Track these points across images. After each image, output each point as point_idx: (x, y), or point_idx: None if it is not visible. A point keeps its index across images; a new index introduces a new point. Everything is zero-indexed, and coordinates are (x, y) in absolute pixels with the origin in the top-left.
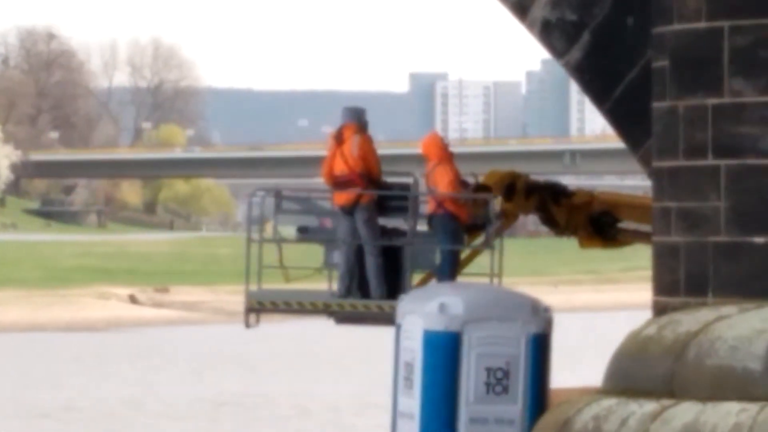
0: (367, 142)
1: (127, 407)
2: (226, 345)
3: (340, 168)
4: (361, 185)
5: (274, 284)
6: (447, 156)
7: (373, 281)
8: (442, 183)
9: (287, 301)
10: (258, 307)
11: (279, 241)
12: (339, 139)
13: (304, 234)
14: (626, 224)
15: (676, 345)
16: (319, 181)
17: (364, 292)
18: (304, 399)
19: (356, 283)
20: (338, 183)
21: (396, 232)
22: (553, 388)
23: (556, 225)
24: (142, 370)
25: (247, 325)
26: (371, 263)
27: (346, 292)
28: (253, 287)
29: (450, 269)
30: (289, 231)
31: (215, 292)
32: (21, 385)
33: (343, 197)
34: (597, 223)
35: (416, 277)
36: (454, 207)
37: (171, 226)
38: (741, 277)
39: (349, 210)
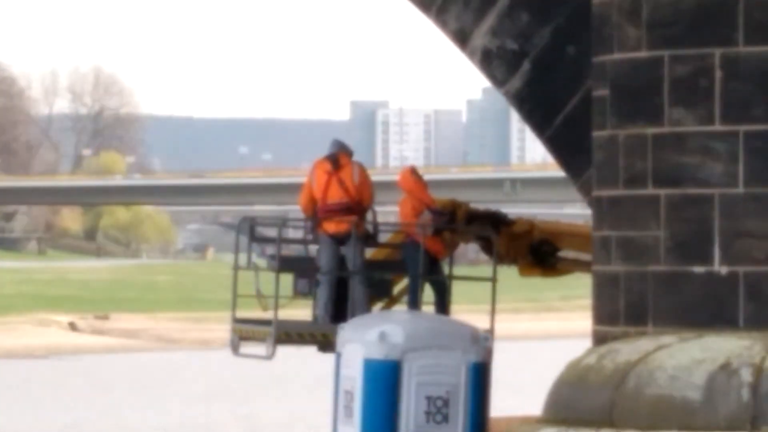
0: (366, 172)
1: None
2: (167, 372)
3: (337, 195)
4: (358, 213)
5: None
6: (413, 187)
7: (360, 310)
8: (402, 213)
9: (310, 331)
10: (285, 339)
11: (279, 270)
12: (336, 165)
13: (275, 261)
14: (566, 253)
15: (615, 374)
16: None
17: (341, 321)
18: (248, 425)
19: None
20: (333, 210)
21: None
22: (493, 416)
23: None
24: (81, 397)
25: (236, 352)
26: (359, 292)
27: (331, 320)
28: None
29: (415, 298)
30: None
31: (155, 319)
32: None
33: (341, 226)
34: (537, 252)
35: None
36: (422, 238)
37: (98, 254)
38: (681, 307)
39: (341, 239)
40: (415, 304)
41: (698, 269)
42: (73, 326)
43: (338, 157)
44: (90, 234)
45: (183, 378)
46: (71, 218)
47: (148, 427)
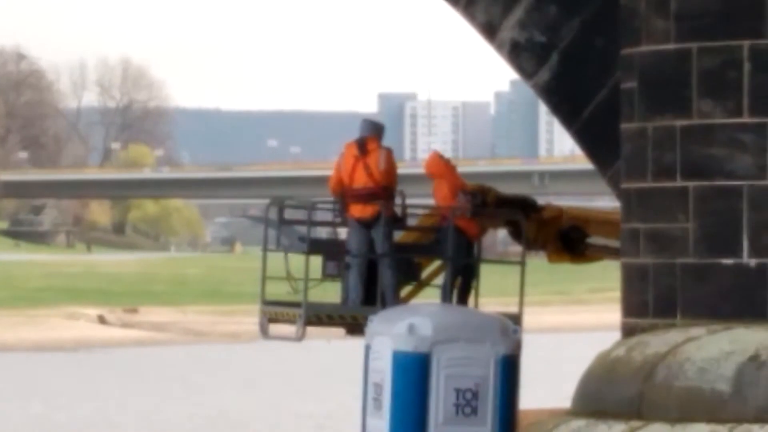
0: (392, 157)
1: (101, 426)
2: (196, 365)
3: (362, 180)
4: (383, 198)
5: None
6: (443, 171)
7: (389, 294)
8: (438, 197)
9: (340, 313)
10: (315, 321)
11: (309, 252)
12: (363, 150)
13: (304, 244)
14: (595, 240)
15: (644, 366)
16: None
17: (371, 303)
18: (280, 417)
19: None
20: (358, 195)
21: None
22: (522, 409)
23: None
24: (110, 390)
25: (265, 335)
26: (388, 276)
27: (363, 302)
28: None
29: (453, 285)
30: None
31: (184, 312)
32: None
33: (367, 210)
34: (566, 238)
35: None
36: (458, 220)
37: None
38: (709, 299)
39: (367, 223)
40: (459, 292)
41: (727, 261)
42: (102, 319)
43: (366, 141)
44: (119, 227)
45: (212, 370)
46: (100, 211)
47: (177, 419)
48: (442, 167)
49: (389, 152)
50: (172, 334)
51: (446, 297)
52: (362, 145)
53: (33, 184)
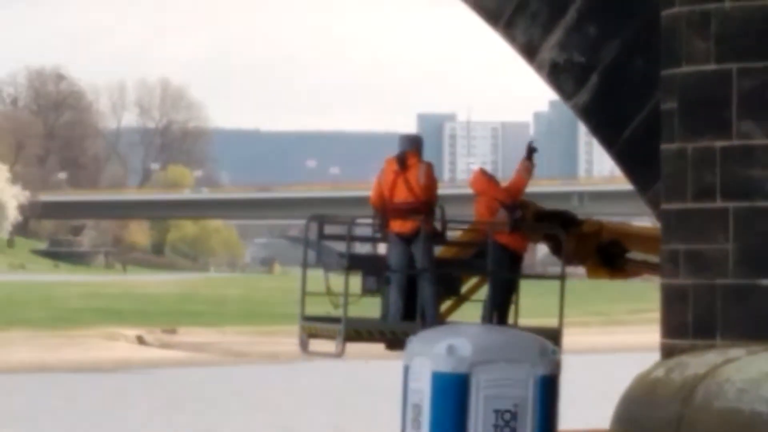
0: (432, 172)
1: None
2: (236, 385)
3: (403, 195)
4: (423, 213)
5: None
6: (485, 187)
7: (429, 309)
8: (477, 212)
9: (380, 329)
10: (354, 337)
11: (349, 268)
12: (403, 165)
13: (344, 260)
14: (634, 255)
15: (684, 388)
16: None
17: (410, 319)
18: None
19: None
20: (398, 210)
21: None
22: (562, 430)
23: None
24: (150, 410)
25: (305, 350)
26: (428, 291)
27: (402, 318)
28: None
29: (498, 299)
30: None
31: (223, 333)
32: (31, 426)
33: (407, 225)
34: (605, 253)
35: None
36: (499, 236)
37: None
38: (749, 320)
39: (407, 238)
40: (499, 307)
41: (766, 282)
42: (141, 340)
43: (406, 156)
44: (158, 248)
45: (251, 390)
46: (139, 232)
47: None
48: (483, 183)
49: (429, 166)
50: (211, 354)
51: (488, 313)
52: (402, 161)
53: (72, 205)
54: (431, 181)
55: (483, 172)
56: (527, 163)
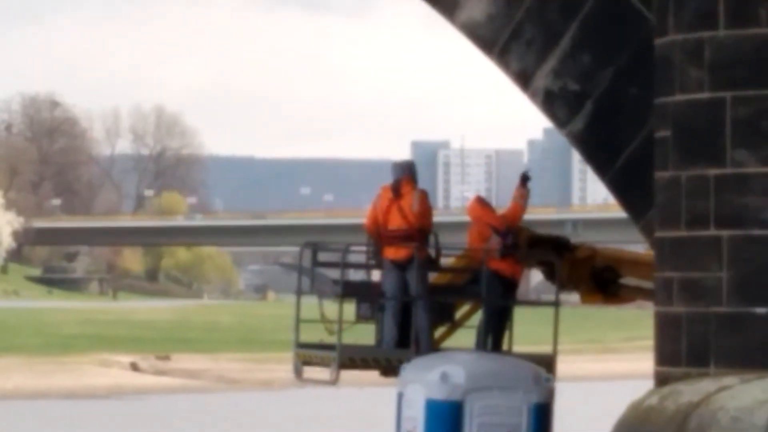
0: (426, 198)
1: None
2: (229, 412)
3: (397, 222)
4: (418, 240)
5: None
6: (480, 214)
7: (423, 336)
8: (470, 239)
9: (374, 356)
10: (349, 364)
11: (343, 295)
12: (397, 193)
13: (338, 287)
14: (628, 281)
15: (677, 415)
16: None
17: (405, 346)
18: None
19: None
20: (393, 237)
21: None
22: None
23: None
24: None
25: (300, 377)
26: (422, 318)
27: (396, 345)
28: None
29: (491, 326)
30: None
31: (217, 359)
32: None
33: (401, 252)
34: (599, 279)
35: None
36: (492, 262)
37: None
38: (743, 348)
39: (402, 264)
40: (493, 333)
41: (760, 310)
42: (134, 366)
43: (400, 185)
44: (151, 274)
45: (245, 418)
46: (133, 259)
47: None
48: (479, 210)
49: (423, 194)
50: (204, 381)
51: (482, 340)
52: (396, 189)
53: (66, 231)
54: (425, 209)
55: (479, 200)
56: (522, 191)
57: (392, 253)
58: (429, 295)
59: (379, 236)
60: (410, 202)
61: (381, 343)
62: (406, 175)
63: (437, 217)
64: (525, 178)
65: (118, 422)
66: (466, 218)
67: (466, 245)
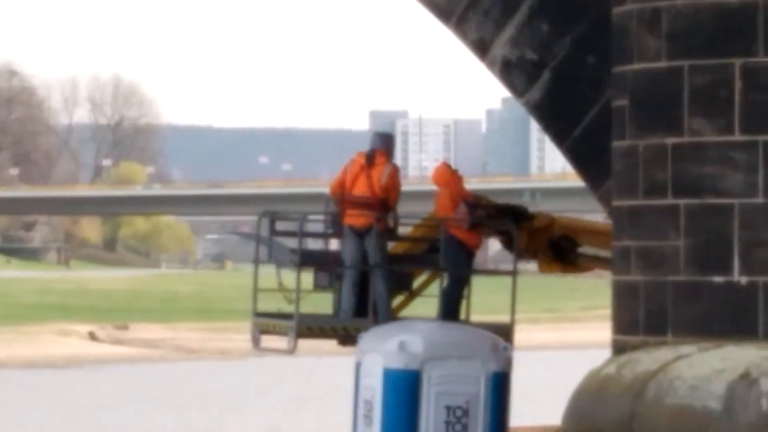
0: (396, 174)
1: None
2: (187, 381)
3: (361, 189)
4: (379, 210)
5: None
6: (448, 180)
7: (381, 305)
8: (438, 206)
9: (332, 325)
10: (307, 333)
11: (301, 264)
12: (370, 162)
13: (296, 256)
14: (586, 250)
15: (635, 384)
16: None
17: (363, 315)
18: None
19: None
20: (355, 202)
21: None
22: (513, 426)
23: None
24: (101, 407)
25: (257, 347)
26: (380, 287)
27: (354, 314)
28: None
29: (449, 296)
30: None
31: (175, 329)
32: None
33: (360, 219)
34: (557, 248)
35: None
36: (456, 231)
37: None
38: (700, 317)
39: (361, 232)
40: (452, 301)
41: (718, 279)
42: (92, 336)
43: (374, 155)
44: (109, 244)
45: (202, 387)
46: (91, 228)
47: None
48: (447, 177)
49: (395, 169)
50: (162, 351)
51: (449, 310)
52: (370, 158)
53: (24, 201)
54: (393, 184)
55: (447, 166)
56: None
57: (352, 219)
58: (387, 264)
59: (342, 201)
60: (380, 173)
61: (339, 313)
62: (382, 146)
63: None
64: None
65: (77, 392)
66: (424, 187)
67: (430, 212)
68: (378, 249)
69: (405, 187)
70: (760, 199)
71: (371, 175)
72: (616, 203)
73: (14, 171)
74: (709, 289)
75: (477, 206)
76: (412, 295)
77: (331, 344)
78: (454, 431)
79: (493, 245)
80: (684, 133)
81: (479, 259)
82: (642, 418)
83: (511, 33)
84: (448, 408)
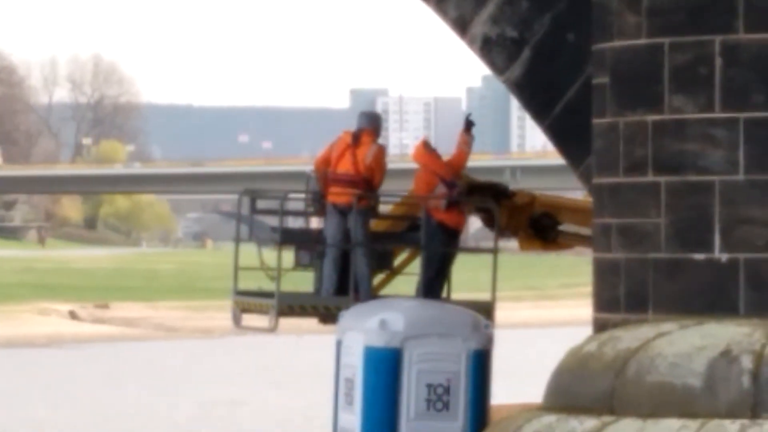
0: (382, 155)
1: (73, 422)
2: (168, 360)
3: (346, 167)
4: (362, 189)
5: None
6: (427, 159)
7: (362, 283)
8: (416, 186)
9: (313, 303)
10: (287, 312)
11: (282, 242)
12: (356, 141)
13: (277, 234)
14: (567, 227)
15: (616, 361)
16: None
17: (344, 293)
18: (252, 412)
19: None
20: (338, 179)
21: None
22: (494, 404)
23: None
24: (83, 385)
25: (238, 325)
26: (362, 265)
27: (335, 293)
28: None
29: (430, 275)
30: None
31: (155, 308)
32: None
33: (343, 196)
34: (537, 225)
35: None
36: (434, 211)
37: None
38: (681, 294)
39: (343, 209)
40: (430, 279)
41: (699, 256)
42: (73, 315)
43: (361, 134)
44: (90, 223)
45: (184, 366)
46: (71, 207)
47: (149, 415)
48: (426, 156)
49: (381, 149)
50: (143, 329)
51: (432, 288)
52: (357, 136)
53: (4, 180)
54: (378, 164)
55: (425, 145)
56: (466, 137)
57: (335, 196)
58: (369, 242)
59: (325, 178)
60: (366, 152)
61: (320, 291)
62: (369, 126)
63: None
64: (469, 123)
65: (58, 371)
66: (405, 165)
67: (410, 191)
68: (360, 227)
69: (387, 166)
70: (740, 176)
71: (356, 154)
72: (596, 181)
73: None
74: (689, 266)
75: (455, 185)
76: (393, 273)
77: (312, 322)
78: (435, 409)
79: (474, 223)
80: (664, 110)
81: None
82: (622, 396)
83: (491, 10)
84: (429, 386)
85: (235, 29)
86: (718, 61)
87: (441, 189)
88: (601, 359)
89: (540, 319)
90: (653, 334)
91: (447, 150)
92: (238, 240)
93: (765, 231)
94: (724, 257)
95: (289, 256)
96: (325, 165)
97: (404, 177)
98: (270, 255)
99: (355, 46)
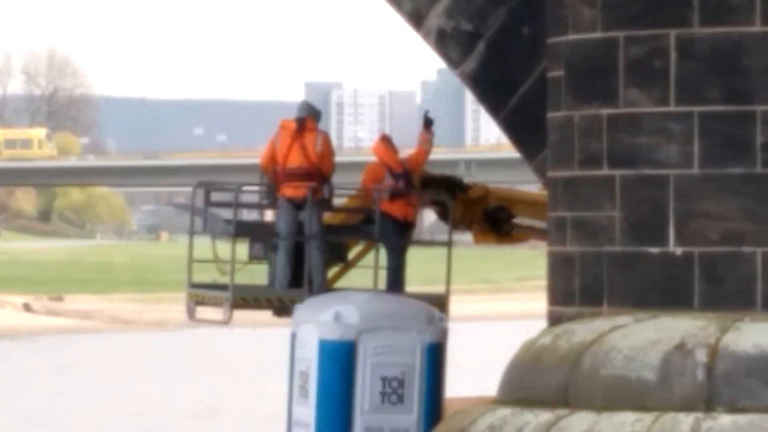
0: (329, 141)
1: (25, 416)
2: (122, 353)
3: (297, 160)
4: (317, 181)
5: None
6: (381, 153)
7: (317, 276)
8: (363, 178)
9: (267, 296)
10: (241, 304)
11: (236, 235)
12: (301, 130)
13: (231, 227)
14: (521, 220)
15: (570, 355)
16: None
17: (298, 285)
18: (206, 404)
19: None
20: (292, 174)
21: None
22: (448, 397)
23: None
24: (37, 379)
25: (192, 318)
26: (316, 258)
27: (289, 285)
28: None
29: (393, 269)
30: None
31: (110, 300)
32: None
33: (300, 190)
34: (492, 218)
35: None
36: (382, 202)
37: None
38: (636, 287)
39: (298, 203)
40: (395, 273)
41: (653, 250)
42: (27, 307)
43: (305, 121)
44: (44, 215)
45: (138, 358)
46: (25, 199)
47: (104, 408)
48: (382, 150)
49: (327, 137)
50: (98, 322)
51: (395, 282)
52: (301, 125)
53: None
54: (327, 151)
55: (384, 139)
56: (427, 135)
57: (291, 191)
58: (323, 234)
59: (275, 174)
60: (314, 141)
61: (274, 283)
62: (311, 114)
63: None
64: (428, 122)
65: (12, 363)
66: (360, 158)
67: (360, 184)
68: (314, 219)
69: (340, 158)
70: (695, 170)
71: (305, 144)
72: (551, 174)
73: None
74: (644, 260)
75: (402, 176)
76: (348, 266)
77: (267, 315)
78: (389, 402)
79: (429, 216)
80: (619, 103)
81: (414, 230)
82: (577, 389)
83: (446, 4)
84: (383, 379)
85: (190, 22)
86: (674, 55)
87: (388, 180)
88: (555, 352)
89: (494, 312)
90: (608, 328)
91: (402, 143)
92: (192, 232)
93: (719, 225)
94: (678, 251)
95: (243, 248)
96: (272, 162)
97: (359, 170)
98: (224, 247)
99: (309, 39)
